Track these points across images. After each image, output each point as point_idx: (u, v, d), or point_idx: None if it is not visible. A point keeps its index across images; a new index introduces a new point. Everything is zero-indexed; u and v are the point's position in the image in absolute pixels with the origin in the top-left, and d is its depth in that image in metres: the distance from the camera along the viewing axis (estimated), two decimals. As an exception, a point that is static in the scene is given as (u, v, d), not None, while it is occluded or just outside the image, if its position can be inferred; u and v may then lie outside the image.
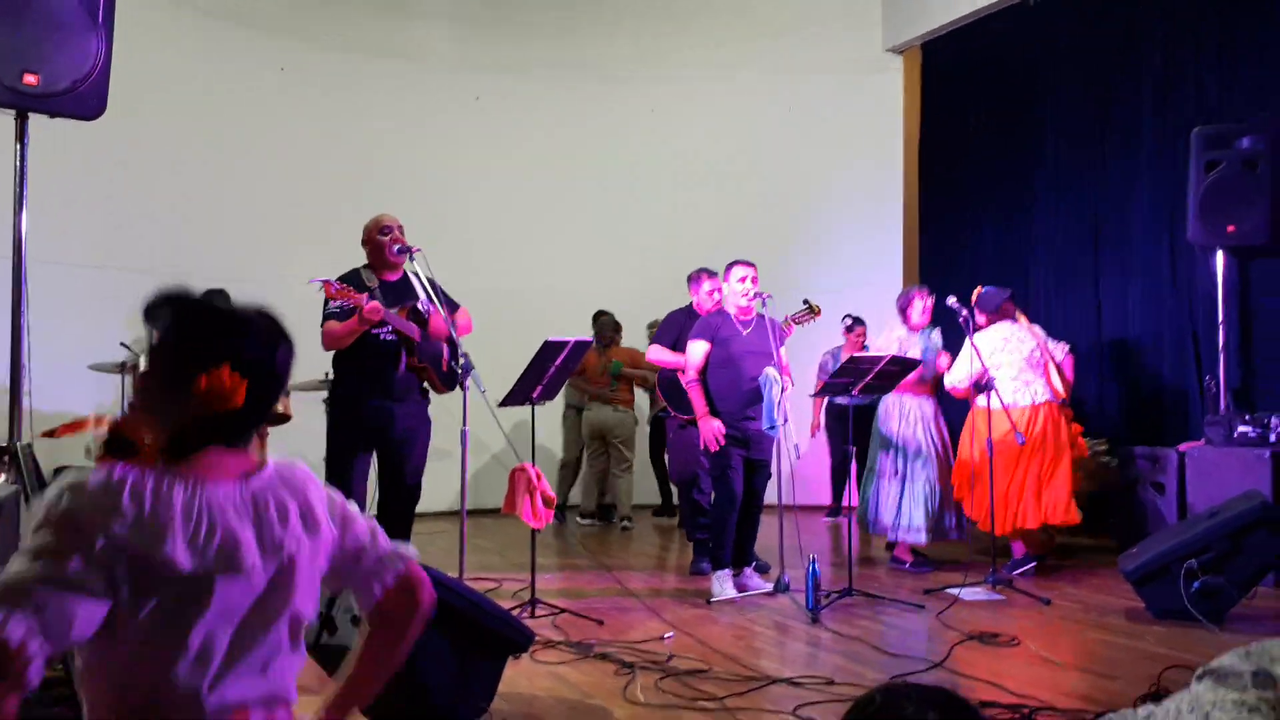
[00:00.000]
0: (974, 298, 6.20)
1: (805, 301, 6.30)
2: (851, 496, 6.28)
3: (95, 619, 1.46)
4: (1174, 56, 7.32)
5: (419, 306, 4.88)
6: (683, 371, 5.73)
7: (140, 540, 1.48)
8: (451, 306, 4.94)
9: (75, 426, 4.19)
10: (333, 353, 4.87)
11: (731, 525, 5.47)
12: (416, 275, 4.88)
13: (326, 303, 4.73)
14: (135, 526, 1.48)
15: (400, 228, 4.92)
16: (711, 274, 6.24)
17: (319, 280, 4.57)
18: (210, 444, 1.61)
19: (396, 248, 4.80)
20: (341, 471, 4.81)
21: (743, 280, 5.53)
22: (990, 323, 6.20)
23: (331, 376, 5.00)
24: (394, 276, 4.95)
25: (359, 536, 1.80)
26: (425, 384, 4.99)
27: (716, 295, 6.06)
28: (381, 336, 4.77)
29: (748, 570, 5.65)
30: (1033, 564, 6.06)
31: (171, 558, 1.49)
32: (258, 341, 1.65)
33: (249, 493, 1.62)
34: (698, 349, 5.53)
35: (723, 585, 5.42)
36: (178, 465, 1.57)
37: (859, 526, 6.50)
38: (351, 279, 4.79)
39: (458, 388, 4.82)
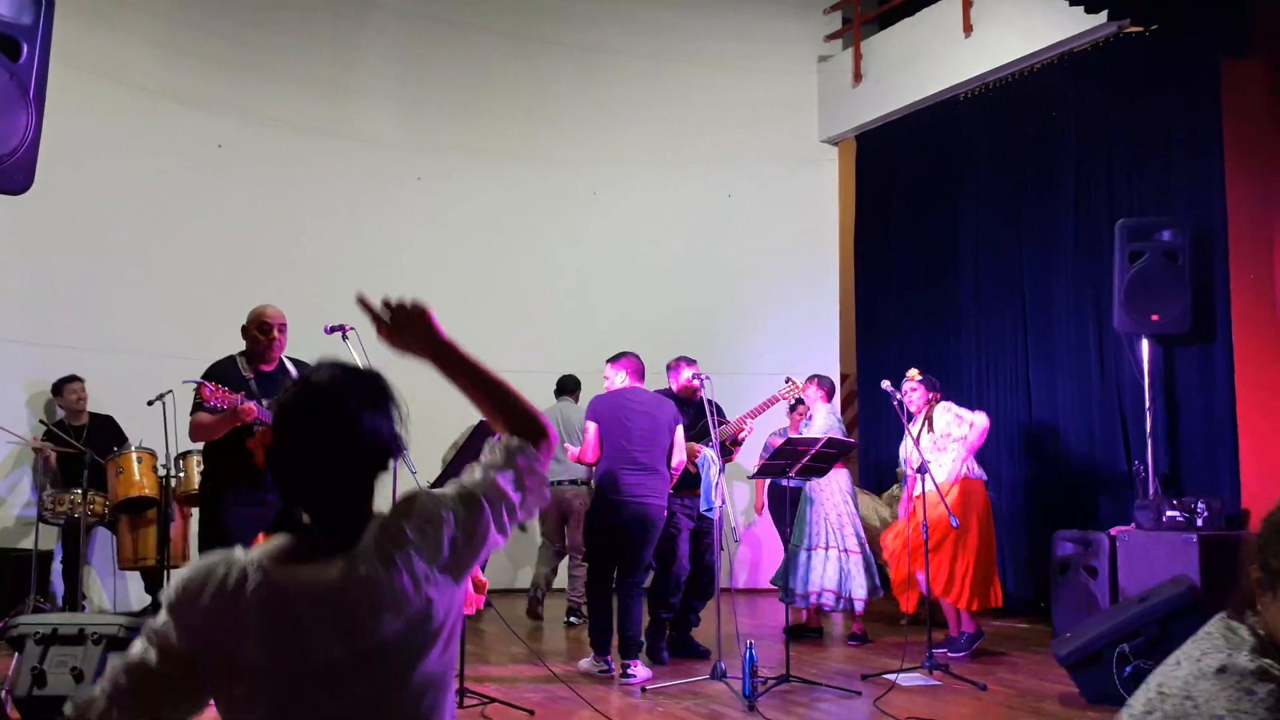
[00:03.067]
0: (913, 376, 6.30)
1: (787, 379, 6.46)
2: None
3: None
4: (1087, 152, 7.63)
5: None
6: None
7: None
8: None
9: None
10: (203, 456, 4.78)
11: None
12: (292, 361, 4.87)
13: (196, 391, 4.64)
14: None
15: (281, 327, 4.86)
16: (691, 361, 6.24)
17: (194, 382, 4.51)
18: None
19: (329, 326, 4.76)
20: None
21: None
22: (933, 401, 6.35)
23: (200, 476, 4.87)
24: (270, 368, 4.88)
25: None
26: None
27: (696, 381, 6.02)
28: (254, 426, 4.65)
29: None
30: (981, 638, 6.19)
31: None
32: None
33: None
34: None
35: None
36: None
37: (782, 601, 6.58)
38: (226, 368, 4.74)
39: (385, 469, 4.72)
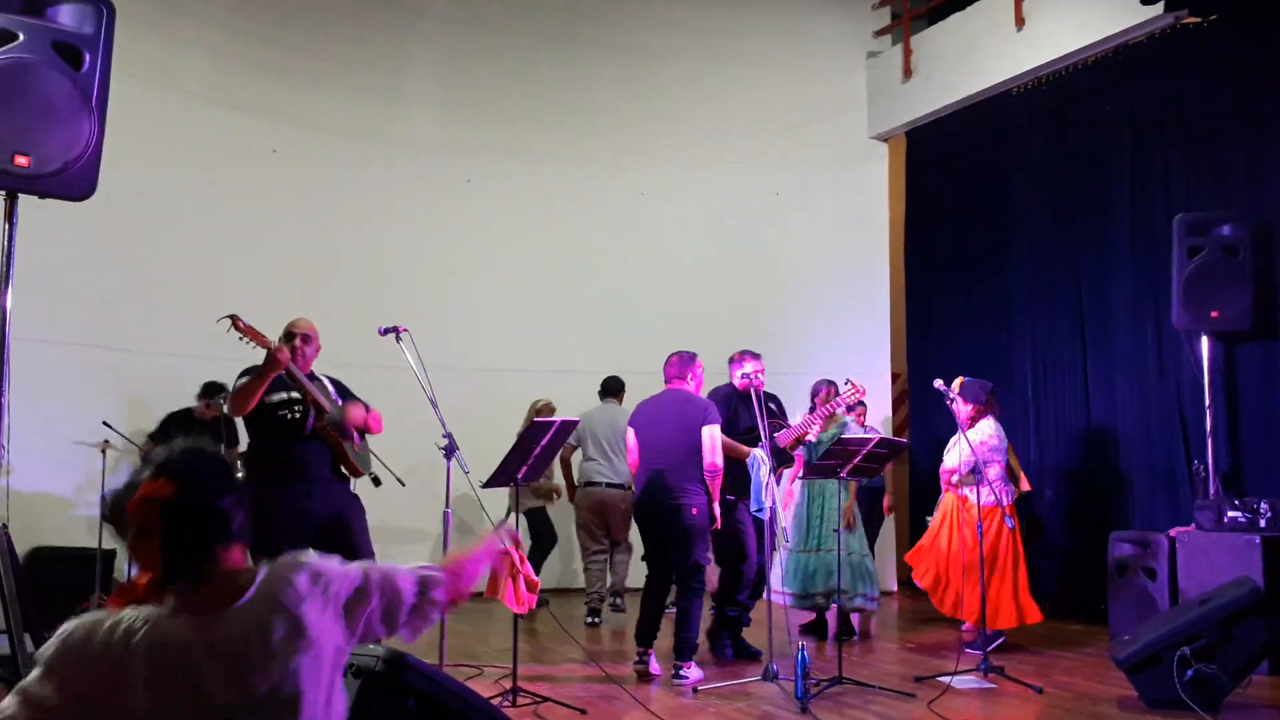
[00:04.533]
0: (955, 387, 6.22)
1: (848, 381, 6.37)
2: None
3: None
4: (1143, 147, 7.49)
5: (330, 396, 4.95)
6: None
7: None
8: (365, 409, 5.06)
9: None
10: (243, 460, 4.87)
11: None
12: (327, 377, 5.02)
13: (238, 378, 4.75)
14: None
15: (305, 338, 4.96)
16: (754, 355, 6.12)
17: (228, 317, 4.61)
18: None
19: (383, 328, 4.85)
20: None
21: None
22: (978, 413, 6.29)
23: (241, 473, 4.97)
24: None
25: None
26: (341, 467, 4.93)
27: (760, 376, 5.98)
28: (289, 417, 4.75)
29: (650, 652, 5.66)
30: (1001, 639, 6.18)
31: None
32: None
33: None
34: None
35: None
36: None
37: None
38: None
39: (364, 477, 4.89)
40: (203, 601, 1.67)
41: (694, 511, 5.48)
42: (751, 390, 5.83)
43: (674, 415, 5.64)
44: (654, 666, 5.55)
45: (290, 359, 4.70)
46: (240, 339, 4.67)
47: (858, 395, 6.40)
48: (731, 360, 6.21)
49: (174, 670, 1.58)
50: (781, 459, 6.12)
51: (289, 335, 4.94)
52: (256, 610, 1.68)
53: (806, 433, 6.26)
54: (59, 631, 1.60)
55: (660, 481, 5.53)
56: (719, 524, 5.56)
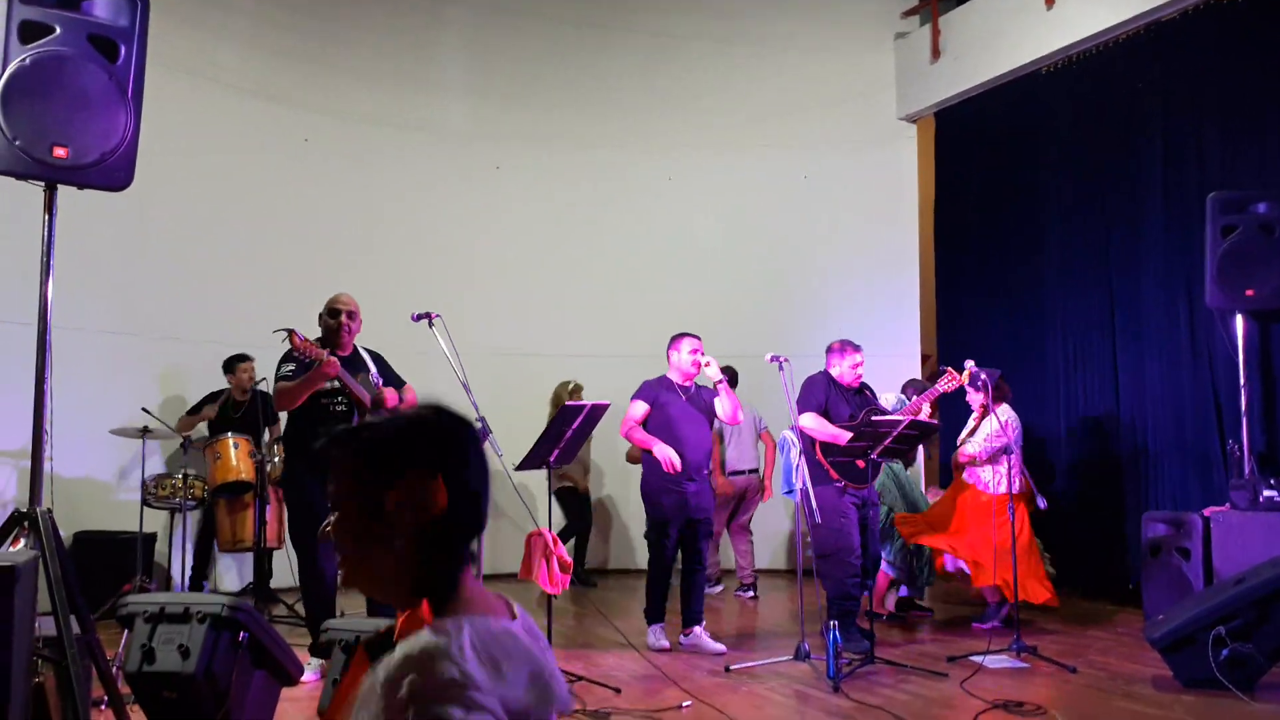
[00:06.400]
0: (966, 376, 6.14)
1: (943, 369, 6.16)
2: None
3: None
4: (1176, 126, 7.40)
5: (373, 379, 5.04)
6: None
7: (526, 692, 1.33)
8: (399, 384, 5.12)
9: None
10: (283, 441, 4.96)
11: (664, 586, 5.92)
12: (367, 351, 5.07)
13: (280, 365, 4.84)
14: (517, 683, 1.32)
15: (350, 314, 5.12)
16: (856, 347, 5.99)
17: (285, 329, 4.69)
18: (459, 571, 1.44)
19: (415, 314, 4.93)
20: (311, 551, 4.85)
21: (693, 352, 5.94)
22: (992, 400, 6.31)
23: (280, 449, 5.07)
24: (345, 353, 5.11)
25: None
26: None
27: (860, 370, 5.94)
28: (332, 408, 4.86)
29: (697, 630, 5.86)
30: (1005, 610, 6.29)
31: (558, 693, 1.38)
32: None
33: (526, 625, 1.46)
34: (637, 409, 5.94)
35: (656, 638, 5.84)
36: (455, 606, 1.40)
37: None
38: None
39: None
40: (489, 604, 1.48)
41: (682, 499, 5.86)
42: (860, 380, 5.96)
43: (692, 408, 6.01)
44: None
45: (340, 370, 4.78)
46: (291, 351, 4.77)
47: (956, 383, 6.02)
48: (831, 350, 6.05)
49: (540, 669, 1.39)
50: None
51: (335, 312, 5.04)
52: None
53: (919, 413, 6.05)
54: (411, 661, 1.28)
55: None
56: (819, 517, 5.48)
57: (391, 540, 1.41)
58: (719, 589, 8.17)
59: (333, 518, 1.46)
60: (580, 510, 8.51)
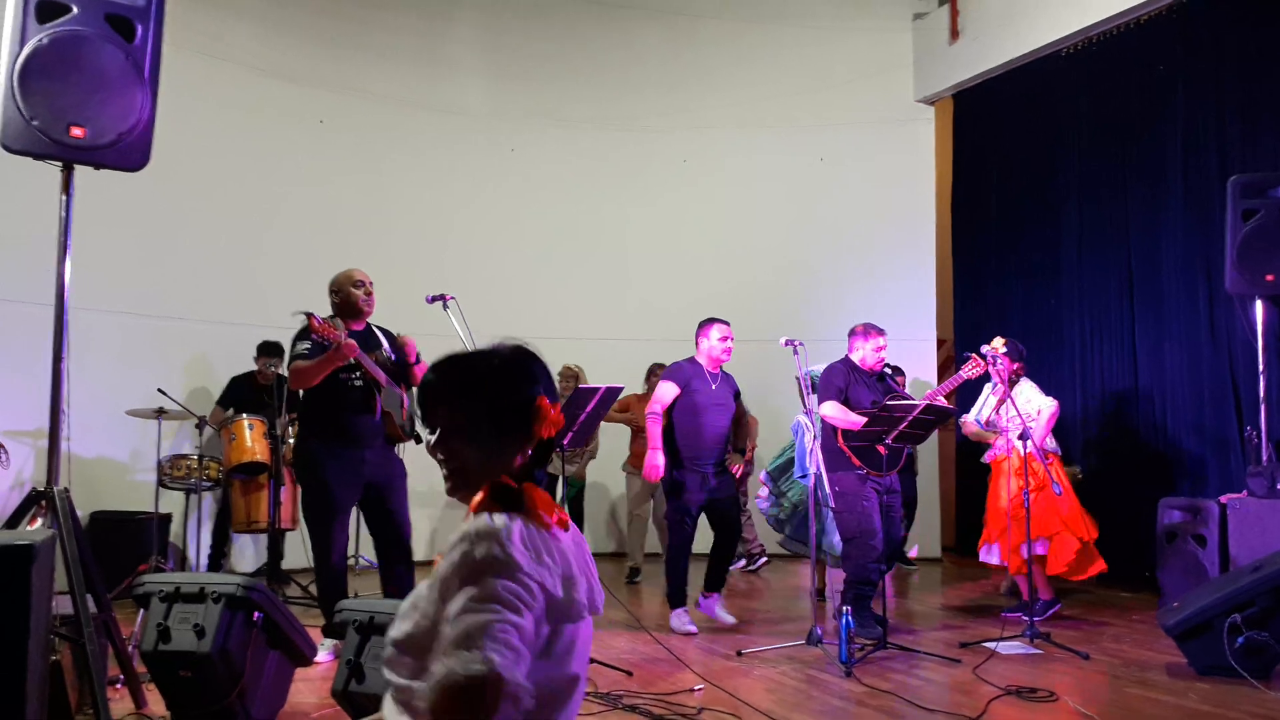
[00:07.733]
0: (1000, 345, 6.08)
1: (968, 355, 6.05)
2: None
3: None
4: (1197, 109, 7.34)
5: (385, 354, 5.07)
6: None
7: (560, 586, 1.58)
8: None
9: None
10: (297, 413, 4.99)
11: (684, 567, 5.91)
12: (379, 330, 5.17)
13: (295, 343, 4.86)
14: (554, 575, 1.57)
15: (371, 284, 5.13)
16: (880, 330, 5.93)
17: (304, 312, 4.71)
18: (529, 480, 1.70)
19: (430, 296, 4.93)
20: (325, 531, 4.88)
21: (724, 339, 5.96)
22: (1017, 373, 6.30)
23: (294, 431, 5.10)
24: (359, 326, 5.14)
25: None
26: (388, 432, 5.12)
27: (883, 353, 5.90)
28: (350, 383, 4.90)
29: (717, 596, 6.00)
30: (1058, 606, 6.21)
31: (580, 600, 1.62)
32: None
33: (575, 539, 1.72)
34: (668, 391, 5.91)
35: (681, 621, 5.82)
36: (522, 512, 1.62)
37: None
38: None
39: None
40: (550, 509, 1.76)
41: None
42: (882, 365, 5.92)
43: (719, 393, 6.07)
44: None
45: (358, 352, 4.81)
46: (309, 332, 4.79)
47: (980, 369, 5.97)
48: (854, 333, 5.97)
49: (576, 575, 1.67)
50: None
51: (359, 283, 5.06)
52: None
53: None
54: (477, 536, 1.56)
55: None
56: (834, 502, 5.58)
57: (502, 450, 1.68)
58: (761, 563, 8.46)
59: (433, 436, 1.70)
60: (574, 504, 8.42)
